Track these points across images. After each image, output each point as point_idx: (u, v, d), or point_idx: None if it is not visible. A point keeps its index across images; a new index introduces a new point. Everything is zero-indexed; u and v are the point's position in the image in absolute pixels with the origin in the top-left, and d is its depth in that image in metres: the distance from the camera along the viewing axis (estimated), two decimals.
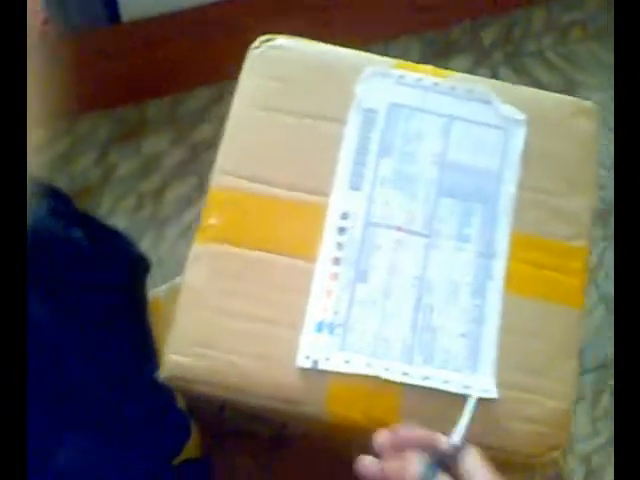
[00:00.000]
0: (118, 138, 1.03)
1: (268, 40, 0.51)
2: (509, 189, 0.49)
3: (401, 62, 0.52)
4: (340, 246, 0.48)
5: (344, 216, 0.48)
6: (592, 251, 1.01)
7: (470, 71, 0.92)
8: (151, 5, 0.90)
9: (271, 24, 0.96)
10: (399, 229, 0.48)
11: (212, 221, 0.47)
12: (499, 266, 0.48)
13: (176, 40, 0.97)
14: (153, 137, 1.03)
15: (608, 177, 0.98)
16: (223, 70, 1.06)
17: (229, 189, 0.48)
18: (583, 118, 0.51)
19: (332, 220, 0.48)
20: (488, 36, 1.11)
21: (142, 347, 0.50)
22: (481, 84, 0.52)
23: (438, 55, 1.08)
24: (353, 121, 0.50)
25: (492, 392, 0.45)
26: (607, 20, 1.12)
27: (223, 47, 1.02)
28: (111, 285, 0.48)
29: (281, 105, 0.50)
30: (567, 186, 0.50)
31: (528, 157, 0.50)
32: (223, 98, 1.06)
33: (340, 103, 0.51)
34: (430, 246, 0.48)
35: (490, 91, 0.51)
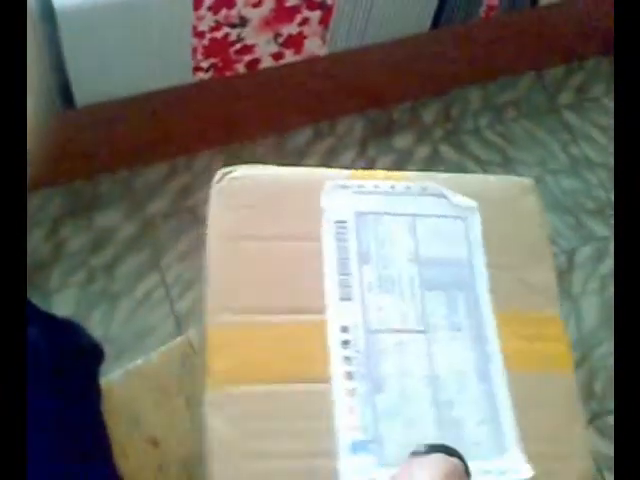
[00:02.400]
0: (70, 212, 1.00)
1: (228, 172, 0.52)
2: (481, 272, 0.53)
3: (355, 172, 0.55)
4: (348, 360, 0.47)
5: (344, 329, 0.48)
6: None
7: (412, 148, 0.97)
8: (104, 92, 0.89)
9: (222, 107, 0.96)
10: (398, 331, 0.49)
11: (219, 365, 0.45)
12: (494, 347, 0.50)
13: (129, 120, 0.97)
14: (105, 211, 1.01)
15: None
16: (176, 146, 1.06)
17: (226, 327, 0.47)
18: (528, 195, 0.56)
19: (334, 335, 0.48)
20: (428, 115, 1.18)
21: (93, 444, 0.49)
22: (431, 180, 0.55)
23: (380, 133, 1.12)
24: (327, 234, 0.51)
25: (527, 471, 0.46)
26: (539, 100, 1.22)
27: (175, 126, 1.02)
28: (67, 379, 0.48)
29: (254, 232, 0.50)
30: (528, 259, 0.54)
31: (488, 239, 0.54)
32: (176, 173, 1.07)
33: (310, 220, 0.51)
34: (429, 341, 0.49)
35: (441, 185, 0.55)
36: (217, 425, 0.43)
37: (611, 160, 1.17)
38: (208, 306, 0.47)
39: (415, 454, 0.42)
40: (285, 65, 0.98)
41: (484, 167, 1.15)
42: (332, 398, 0.45)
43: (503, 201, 0.56)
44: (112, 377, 0.60)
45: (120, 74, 0.89)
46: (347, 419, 0.45)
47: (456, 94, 1.20)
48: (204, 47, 0.90)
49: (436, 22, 1.02)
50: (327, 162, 1.11)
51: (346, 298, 0.49)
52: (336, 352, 0.47)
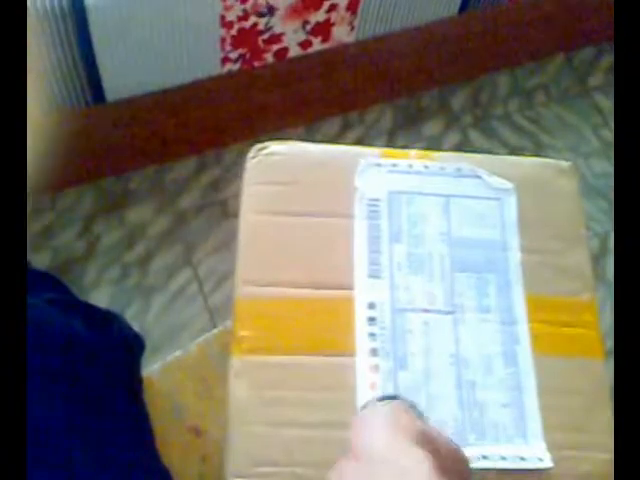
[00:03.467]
0: (102, 210, 1.02)
1: (263, 148, 0.52)
2: (515, 255, 0.52)
3: (387, 150, 0.55)
4: (373, 336, 0.48)
5: (371, 306, 0.49)
6: None
7: (441, 135, 0.96)
8: (134, 86, 0.90)
9: (250, 99, 0.97)
10: (425, 310, 0.49)
11: (245, 333, 0.46)
12: (522, 331, 0.50)
13: (157, 115, 0.98)
14: (137, 207, 1.03)
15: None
16: (205, 140, 1.08)
17: (254, 298, 0.48)
18: (564, 178, 0.55)
19: (361, 312, 0.48)
20: (457, 101, 1.17)
21: (139, 430, 0.51)
22: (466, 161, 0.55)
23: (409, 121, 1.12)
24: (360, 212, 0.51)
25: (547, 461, 0.45)
26: (568, 83, 1.20)
27: (204, 120, 1.04)
28: (110, 369, 0.50)
29: (287, 208, 0.51)
30: (563, 243, 0.53)
31: (523, 222, 0.53)
32: (206, 167, 1.08)
33: (342, 197, 0.52)
34: (457, 321, 0.49)
35: (476, 166, 0.55)
36: (239, 392, 0.44)
37: None
38: (238, 278, 0.48)
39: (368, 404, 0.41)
40: (312, 54, 0.97)
41: (515, 153, 1.13)
42: (355, 372, 0.46)
43: (539, 183, 0.55)
44: (151, 369, 0.61)
45: (149, 68, 0.90)
46: (368, 393, 0.46)
47: (484, 79, 1.18)
48: (232, 37, 0.90)
49: (464, 5, 1.00)
50: None
51: (375, 276, 0.50)
52: (362, 328, 0.48)
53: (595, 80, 1.21)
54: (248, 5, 0.87)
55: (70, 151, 0.80)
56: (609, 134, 1.15)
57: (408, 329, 0.48)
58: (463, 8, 1.00)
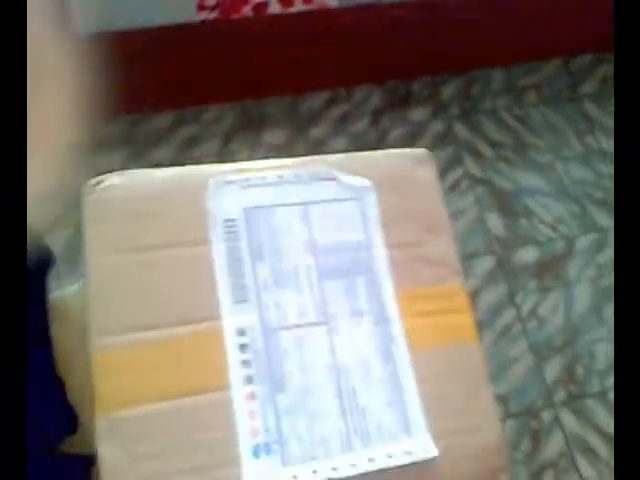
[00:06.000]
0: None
1: (99, 182, 0.49)
2: (380, 253, 0.52)
3: (237, 165, 0.53)
4: (247, 363, 0.47)
5: (241, 332, 0.48)
6: (525, 301, 1.08)
7: (426, 122, 0.96)
8: (106, 21, 0.85)
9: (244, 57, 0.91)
10: (297, 326, 0.49)
11: (107, 389, 0.44)
12: (396, 328, 0.50)
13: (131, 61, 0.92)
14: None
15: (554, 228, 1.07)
16: (184, 95, 1.01)
17: (112, 348, 0.45)
18: (421, 168, 0.55)
19: (230, 340, 0.47)
20: (447, 91, 1.16)
21: (39, 329, 0.50)
22: (320, 164, 0.54)
23: (397, 105, 1.11)
24: (215, 236, 0.50)
25: (433, 450, 0.46)
26: (561, 86, 1.20)
27: (186, 73, 0.95)
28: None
29: (137, 244, 0.48)
30: (426, 233, 0.54)
31: (385, 218, 0.53)
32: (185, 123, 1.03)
33: (196, 223, 0.50)
34: (330, 331, 0.49)
35: (332, 168, 0.54)
36: (107, 453, 0.42)
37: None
38: (91, 330, 0.45)
39: None
40: (295, 15, 0.94)
41: (496, 148, 1.14)
42: (232, 405, 0.45)
43: (397, 176, 0.55)
44: (67, 291, 0.57)
45: (123, 4, 0.86)
46: (248, 424, 0.45)
47: (478, 73, 1.18)
48: None
49: None
50: (337, 129, 1.09)
51: (241, 300, 0.48)
52: (234, 357, 0.47)
53: (588, 88, 1.23)
54: None
55: None
56: (593, 142, 1.18)
57: (282, 349, 0.48)
58: None
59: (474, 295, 1.01)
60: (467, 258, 1.06)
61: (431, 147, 1.07)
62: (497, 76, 1.20)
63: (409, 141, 1.09)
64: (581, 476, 0.93)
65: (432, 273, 0.52)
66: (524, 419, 0.96)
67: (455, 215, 1.10)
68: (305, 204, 0.52)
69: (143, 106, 1.05)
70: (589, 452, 0.95)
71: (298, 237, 0.51)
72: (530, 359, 1.01)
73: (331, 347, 0.48)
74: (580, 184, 1.16)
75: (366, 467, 0.45)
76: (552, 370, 1.01)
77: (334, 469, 0.45)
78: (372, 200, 0.53)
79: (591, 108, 1.22)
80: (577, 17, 1.16)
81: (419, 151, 0.56)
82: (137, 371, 0.45)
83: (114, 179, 0.50)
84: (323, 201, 0.53)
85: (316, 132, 1.11)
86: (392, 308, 0.51)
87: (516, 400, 0.98)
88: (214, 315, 0.48)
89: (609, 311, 1.04)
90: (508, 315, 1.03)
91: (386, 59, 1.11)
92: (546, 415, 0.97)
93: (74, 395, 0.52)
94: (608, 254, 1.09)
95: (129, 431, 0.43)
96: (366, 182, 0.54)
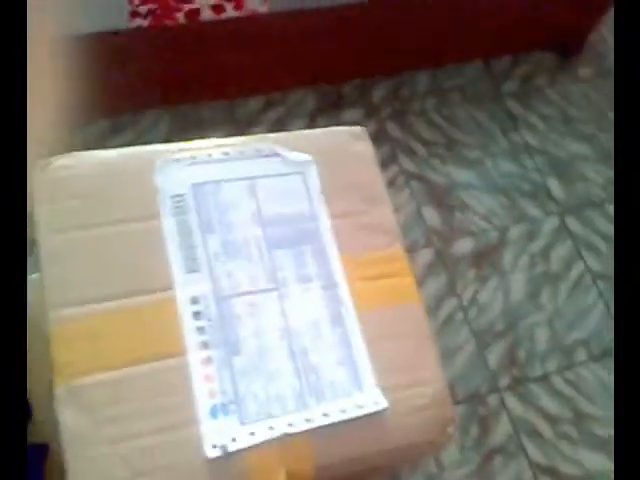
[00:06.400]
0: None
1: (48, 164, 0.50)
2: (325, 223, 0.55)
3: (183, 145, 0.55)
4: (202, 330, 0.48)
5: (194, 300, 0.49)
6: (465, 290, 1.11)
7: (359, 123, 0.98)
8: None
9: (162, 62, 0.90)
10: (249, 293, 0.50)
11: (64, 359, 0.45)
12: (344, 292, 0.53)
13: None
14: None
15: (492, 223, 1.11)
16: (121, 101, 0.98)
17: (70, 320, 0.46)
18: (358, 143, 0.58)
19: (184, 308, 0.48)
20: (378, 93, 1.19)
21: None
22: (264, 141, 0.56)
23: (330, 107, 1.14)
24: (165, 211, 0.51)
25: (382, 403, 0.49)
26: (484, 87, 1.25)
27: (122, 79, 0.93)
28: None
29: (88, 221, 0.49)
30: (367, 203, 0.57)
31: (328, 190, 0.56)
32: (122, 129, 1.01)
33: (145, 199, 0.51)
34: (281, 297, 0.51)
35: (274, 145, 0.56)
36: (68, 419, 0.43)
37: (550, 147, 1.23)
38: (47, 304, 0.46)
39: None
40: (226, 21, 0.96)
41: (428, 146, 1.18)
42: (189, 369, 0.46)
43: (336, 151, 0.58)
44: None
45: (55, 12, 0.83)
46: (205, 386, 0.46)
47: (405, 76, 1.22)
48: None
49: None
50: (275, 131, 1.11)
51: (193, 270, 0.50)
52: (188, 324, 0.48)
53: (509, 87, 1.29)
54: None
55: None
56: (518, 138, 1.24)
57: (235, 314, 0.49)
58: None
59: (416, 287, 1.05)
60: (407, 251, 1.10)
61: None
62: (423, 79, 1.26)
63: None
64: (529, 459, 0.96)
65: (374, 240, 0.55)
66: (471, 405, 0.99)
67: (394, 210, 1.14)
68: (251, 179, 0.54)
69: (79, 114, 1.05)
70: (535, 435, 0.98)
71: (246, 210, 0.53)
72: (473, 346, 1.04)
73: (282, 311, 0.50)
74: (508, 177, 1.22)
75: (321, 421, 0.47)
76: (495, 356, 1.04)
77: (290, 425, 0.46)
78: (314, 173, 0.56)
79: (514, 106, 1.29)
80: (497, 20, 1.23)
81: (355, 128, 0.59)
82: (94, 341, 0.46)
83: (63, 160, 0.51)
84: (268, 176, 0.55)
85: (257, 132, 1.13)
86: (338, 273, 0.53)
87: (462, 387, 1.00)
88: (167, 285, 0.49)
89: (545, 296, 1.10)
90: (450, 304, 1.07)
91: (317, 63, 1.15)
92: (492, 400, 1.00)
93: (29, 385, 0.51)
94: (539, 243, 1.15)
95: (90, 398, 0.44)
96: (307, 157, 0.56)
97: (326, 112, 1.15)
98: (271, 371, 0.48)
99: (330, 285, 0.53)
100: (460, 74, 1.29)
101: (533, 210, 1.19)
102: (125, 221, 0.50)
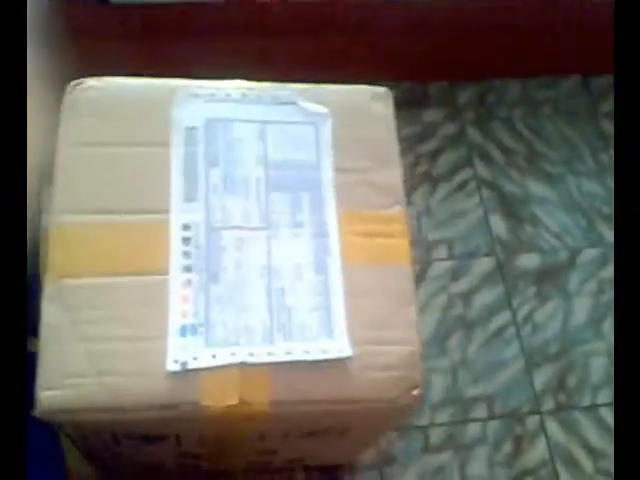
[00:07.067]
0: None
1: (79, 83, 0.54)
2: (328, 175, 0.56)
3: (204, 82, 0.57)
4: (187, 255, 0.51)
5: (186, 227, 0.52)
6: (522, 306, 1.06)
7: (439, 124, 0.98)
8: None
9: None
10: (240, 228, 0.53)
11: (57, 259, 0.49)
12: (334, 242, 0.54)
13: None
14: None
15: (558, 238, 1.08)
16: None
17: (67, 225, 0.50)
18: (379, 102, 0.59)
19: (175, 233, 0.51)
20: (464, 96, 1.17)
21: None
22: (284, 90, 0.58)
23: (412, 104, 1.14)
24: (176, 140, 0.54)
25: (347, 351, 0.50)
26: (578, 102, 1.21)
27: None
28: None
29: (103, 140, 0.53)
30: (376, 162, 0.57)
31: (338, 144, 0.57)
32: None
33: (159, 127, 0.54)
34: (270, 237, 0.53)
35: (293, 94, 0.58)
36: (52, 315, 0.47)
37: None
38: (51, 208, 0.50)
39: None
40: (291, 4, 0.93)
41: (507, 155, 1.14)
42: (168, 288, 0.49)
43: (355, 108, 0.58)
44: None
45: None
46: (179, 306, 0.49)
47: (495, 83, 1.19)
48: None
49: None
50: None
51: (190, 198, 0.53)
52: (176, 248, 0.51)
53: (607, 107, 1.23)
54: None
55: None
56: (607, 159, 1.18)
57: (222, 246, 0.52)
58: None
59: (468, 293, 1.01)
60: (466, 257, 1.06)
61: (442, 148, 1.08)
62: (513, 88, 1.21)
63: (420, 139, 1.11)
64: None
65: (375, 199, 0.56)
66: (508, 422, 0.95)
67: (459, 214, 1.10)
68: (263, 122, 0.56)
69: None
70: (572, 464, 0.93)
71: (252, 151, 0.55)
72: (522, 363, 1.00)
73: (268, 251, 0.52)
74: (590, 198, 1.14)
75: (282, 357, 0.49)
76: (542, 377, 0.98)
77: (251, 354, 0.48)
78: (327, 126, 0.57)
79: (608, 127, 1.21)
80: (598, 35, 1.15)
81: (379, 88, 0.60)
82: (87, 248, 0.50)
83: (92, 82, 0.55)
84: (280, 122, 0.57)
85: None
86: (332, 225, 0.54)
87: (501, 402, 0.96)
88: (164, 209, 0.52)
89: (608, 326, 1.03)
90: (503, 317, 1.02)
91: (408, 60, 1.12)
92: (531, 421, 0.95)
93: None
94: (611, 270, 1.09)
95: (73, 299, 0.48)
96: (324, 109, 0.57)
97: (407, 109, 1.13)
98: (245, 304, 0.50)
99: (321, 234, 0.54)
100: (554, 87, 1.23)
101: (611, 235, 1.12)
102: (137, 144, 0.53)
